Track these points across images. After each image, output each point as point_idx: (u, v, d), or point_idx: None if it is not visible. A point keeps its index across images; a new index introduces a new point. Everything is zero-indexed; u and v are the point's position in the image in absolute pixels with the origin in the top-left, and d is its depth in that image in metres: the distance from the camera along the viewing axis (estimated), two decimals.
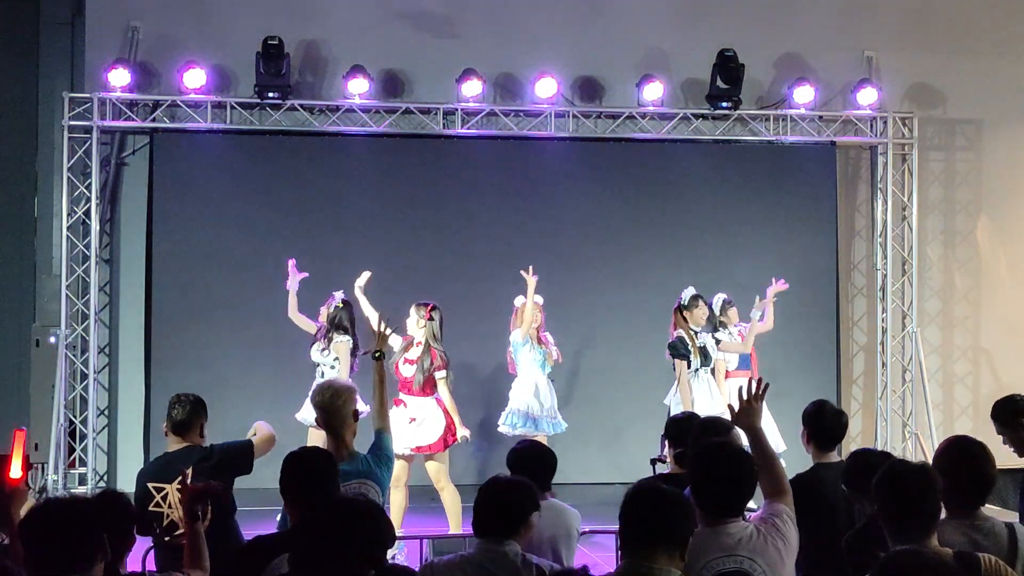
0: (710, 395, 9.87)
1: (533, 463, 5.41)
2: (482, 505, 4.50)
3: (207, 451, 5.83)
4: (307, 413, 9.72)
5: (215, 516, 5.53)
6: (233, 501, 5.80)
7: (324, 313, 10.04)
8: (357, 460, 5.50)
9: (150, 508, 5.69)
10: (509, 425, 10.12)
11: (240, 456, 5.87)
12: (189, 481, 5.09)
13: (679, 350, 10.03)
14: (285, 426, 10.48)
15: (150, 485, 5.75)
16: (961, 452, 4.52)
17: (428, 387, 9.27)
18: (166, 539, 5.64)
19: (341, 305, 9.95)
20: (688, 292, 10.25)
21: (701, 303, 10.15)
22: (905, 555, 3.53)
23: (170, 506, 5.70)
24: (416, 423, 9.19)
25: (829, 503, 5.38)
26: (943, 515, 4.30)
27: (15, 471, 4.96)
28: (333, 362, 9.88)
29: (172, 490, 5.68)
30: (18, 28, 12.83)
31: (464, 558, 4.46)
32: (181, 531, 5.48)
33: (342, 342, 9.84)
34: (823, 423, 5.84)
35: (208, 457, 5.77)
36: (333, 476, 4.68)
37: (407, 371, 9.31)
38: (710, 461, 4.23)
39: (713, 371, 10.21)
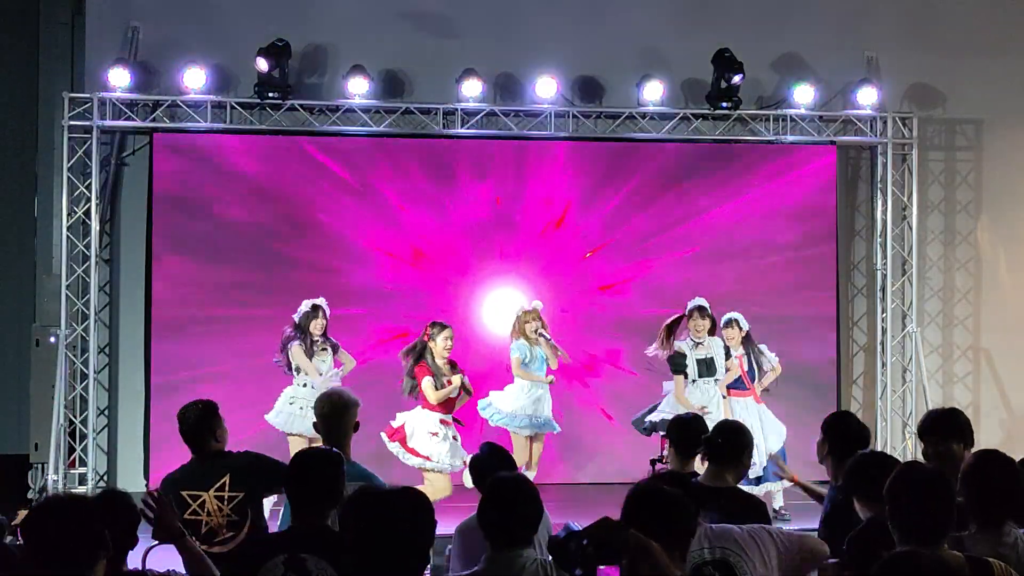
0: (713, 407, 9.73)
1: (501, 465, 5.40)
2: (498, 512, 4.21)
3: (236, 455, 5.72)
4: (293, 421, 9.65)
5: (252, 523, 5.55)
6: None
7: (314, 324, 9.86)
8: (355, 467, 5.49)
9: (186, 516, 5.54)
10: (489, 415, 10.11)
11: (273, 472, 5.60)
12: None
13: (677, 364, 9.99)
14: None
15: (184, 493, 5.60)
16: (991, 465, 4.47)
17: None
18: (204, 547, 5.38)
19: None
20: (692, 303, 10.12)
21: (698, 315, 9.96)
22: (905, 558, 3.53)
23: (209, 513, 5.58)
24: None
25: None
26: (972, 529, 4.30)
27: None
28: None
29: (209, 497, 5.58)
30: (18, 28, 12.84)
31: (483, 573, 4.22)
32: (221, 538, 5.50)
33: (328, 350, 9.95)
34: (847, 432, 5.58)
35: (237, 458, 5.68)
36: (341, 480, 4.56)
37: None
38: (649, 501, 4.13)
39: (716, 381, 10.05)
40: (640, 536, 3.56)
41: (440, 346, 9.28)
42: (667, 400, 10.00)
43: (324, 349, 9.85)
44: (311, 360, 9.73)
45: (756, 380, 10.07)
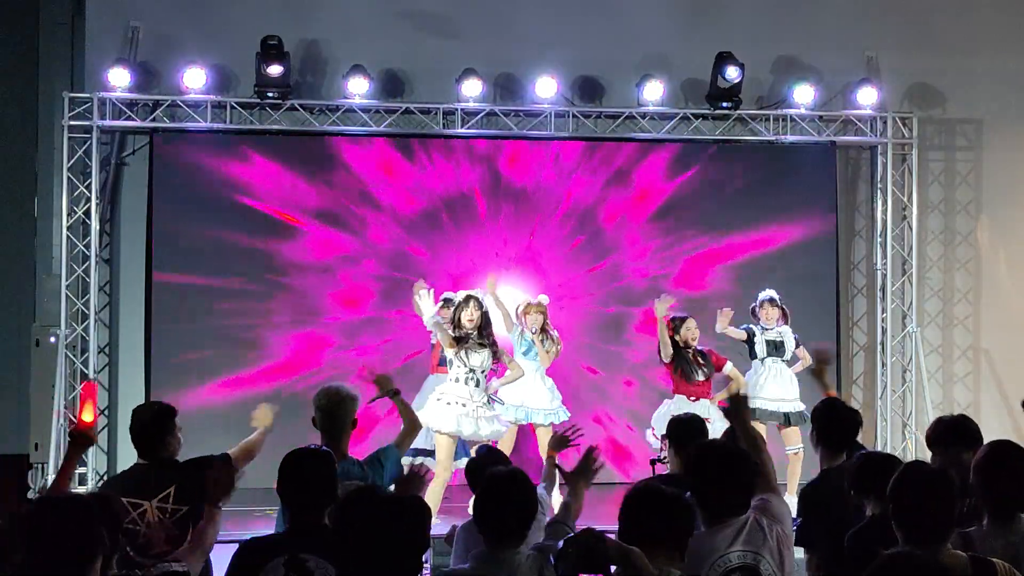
0: (777, 380, 10.40)
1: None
2: (494, 506, 4.26)
3: (184, 467, 5.54)
4: (438, 419, 9.06)
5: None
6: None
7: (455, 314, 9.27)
8: (348, 462, 5.48)
9: (125, 525, 5.22)
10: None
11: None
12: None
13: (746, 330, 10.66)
14: (287, 424, 10.50)
15: (125, 500, 5.33)
16: (1003, 456, 4.44)
17: None
18: (138, 559, 5.23)
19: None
20: (762, 295, 10.71)
21: (769, 305, 10.57)
22: (900, 558, 3.52)
23: (148, 525, 5.36)
24: None
25: (841, 512, 5.10)
26: (984, 521, 4.29)
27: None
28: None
29: (151, 508, 5.39)
30: (18, 28, 12.83)
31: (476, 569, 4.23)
32: (157, 551, 5.27)
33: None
34: (835, 420, 5.60)
35: (185, 471, 5.50)
36: (335, 478, 4.54)
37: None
38: (709, 462, 4.25)
39: (785, 360, 10.59)
40: (622, 545, 3.57)
41: (686, 335, 10.10)
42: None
43: (482, 345, 9.14)
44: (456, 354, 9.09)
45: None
